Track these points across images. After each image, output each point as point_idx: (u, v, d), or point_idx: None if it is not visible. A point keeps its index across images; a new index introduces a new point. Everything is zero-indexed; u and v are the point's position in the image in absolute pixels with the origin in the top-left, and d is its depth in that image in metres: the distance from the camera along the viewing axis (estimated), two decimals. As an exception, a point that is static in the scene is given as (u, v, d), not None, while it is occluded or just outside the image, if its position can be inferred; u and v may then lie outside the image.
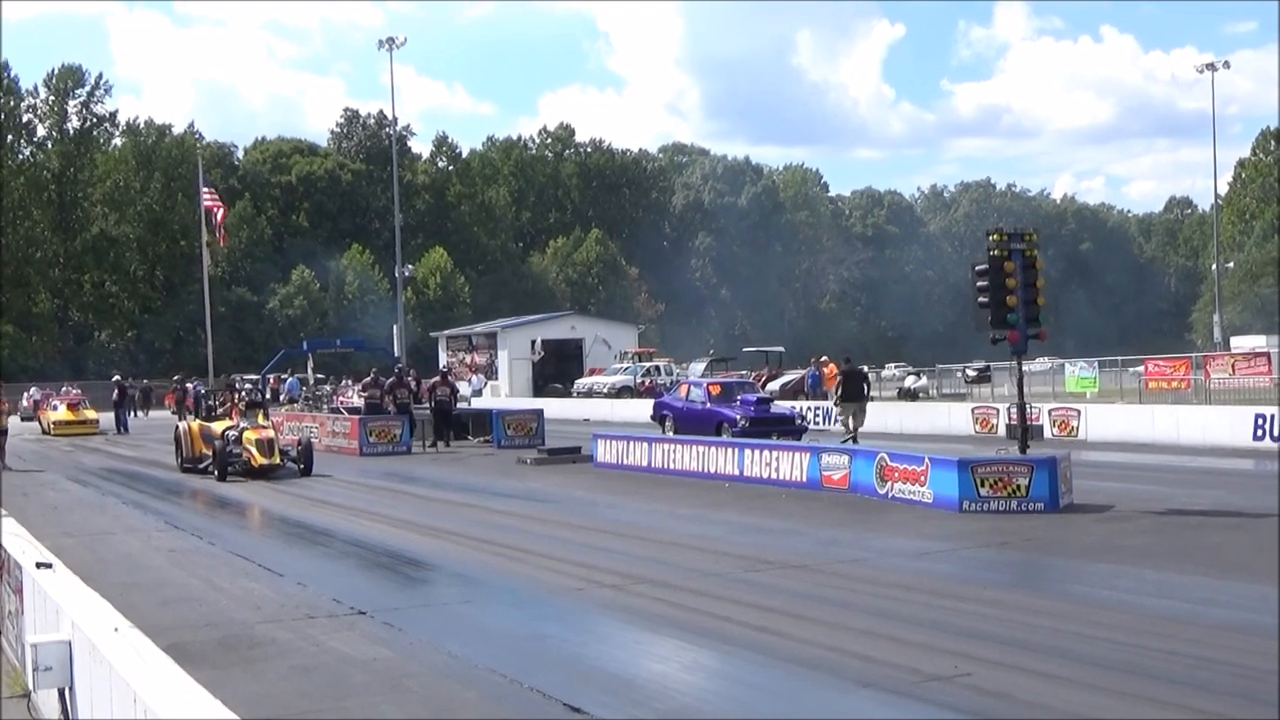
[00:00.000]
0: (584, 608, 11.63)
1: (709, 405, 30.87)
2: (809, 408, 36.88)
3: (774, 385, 46.01)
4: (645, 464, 24.67)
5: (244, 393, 35.57)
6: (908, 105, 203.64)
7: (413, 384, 35.36)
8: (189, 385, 50.64)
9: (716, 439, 26.07)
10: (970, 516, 16.81)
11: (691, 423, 30.34)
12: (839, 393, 30.83)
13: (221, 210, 68.12)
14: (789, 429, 29.38)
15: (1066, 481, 17.55)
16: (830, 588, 12.20)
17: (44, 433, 46.01)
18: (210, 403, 29.75)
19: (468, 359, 69.59)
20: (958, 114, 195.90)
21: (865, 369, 35.56)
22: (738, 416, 29.39)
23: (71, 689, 6.93)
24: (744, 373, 51.48)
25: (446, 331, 75.18)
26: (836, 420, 32.54)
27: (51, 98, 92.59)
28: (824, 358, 44.56)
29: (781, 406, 33.47)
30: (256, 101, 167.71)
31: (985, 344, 19.84)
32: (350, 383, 48.06)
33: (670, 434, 29.41)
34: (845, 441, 27.94)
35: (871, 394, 33.41)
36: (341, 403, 40.31)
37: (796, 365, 56.24)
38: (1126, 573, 12.65)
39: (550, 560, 14.23)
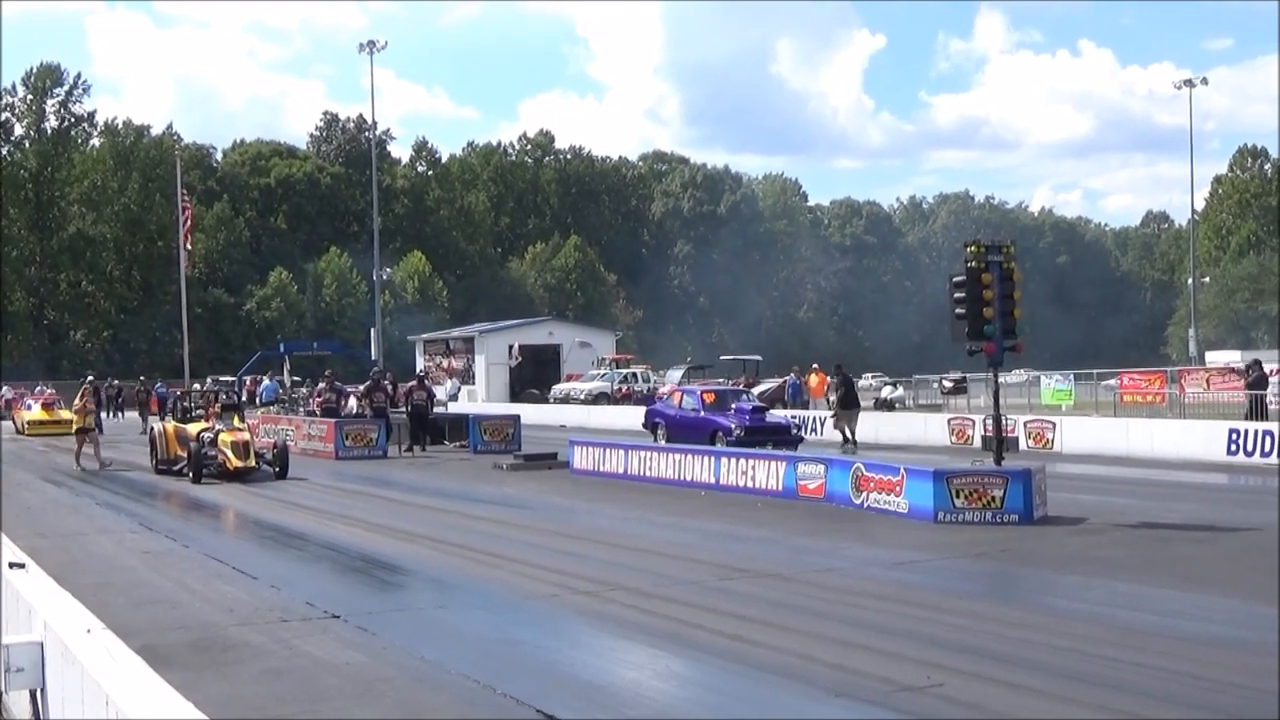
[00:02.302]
0: (558, 614, 11.63)
1: (703, 413, 30.42)
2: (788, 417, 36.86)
3: (752, 393, 46.00)
4: (621, 470, 24.62)
5: (218, 393, 35.41)
6: (887, 116, 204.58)
7: (389, 388, 35.27)
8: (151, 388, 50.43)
9: (693, 446, 25.77)
10: (945, 527, 16.86)
11: (685, 431, 29.91)
12: (836, 401, 30.96)
13: (188, 214, 68.18)
14: (785, 439, 28.75)
15: (1041, 494, 17.61)
16: (804, 597, 12.22)
17: (18, 432, 45.75)
18: (185, 404, 29.54)
19: (445, 363, 69.49)
20: (937, 125, 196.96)
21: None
22: (733, 425, 28.86)
23: (43, 690, 6.92)
24: (721, 380, 51.47)
25: (424, 335, 75.08)
26: (830, 426, 32.57)
27: (29, 97, 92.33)
28: (815, 365, 44.62)
29: (777, 415, 33.10)
30: (236, 103, 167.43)
31: (962, 355, 19.85)
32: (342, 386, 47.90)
33: (663, 442, 29.09)
34: (846, 449, 28.16)
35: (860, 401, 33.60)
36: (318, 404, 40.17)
37: (774, 374, 56.29)
38: (1099, 585, 12.71)
39: (525, 566, 14.22)
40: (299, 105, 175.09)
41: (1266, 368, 34.51)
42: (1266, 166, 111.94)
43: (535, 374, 65.12)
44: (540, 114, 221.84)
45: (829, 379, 35.87)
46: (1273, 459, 25.67)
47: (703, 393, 32.61)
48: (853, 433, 31.39)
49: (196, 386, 45.04)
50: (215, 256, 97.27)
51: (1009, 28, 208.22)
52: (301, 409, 39.72)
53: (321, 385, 36.36)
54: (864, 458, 21.01)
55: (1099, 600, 11.98)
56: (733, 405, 30.78)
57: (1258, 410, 30.66)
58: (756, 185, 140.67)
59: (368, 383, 35.32)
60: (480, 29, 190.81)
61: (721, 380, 51.92)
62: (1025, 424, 31.67)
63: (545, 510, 20.18)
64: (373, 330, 66.98)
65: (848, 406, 30.55)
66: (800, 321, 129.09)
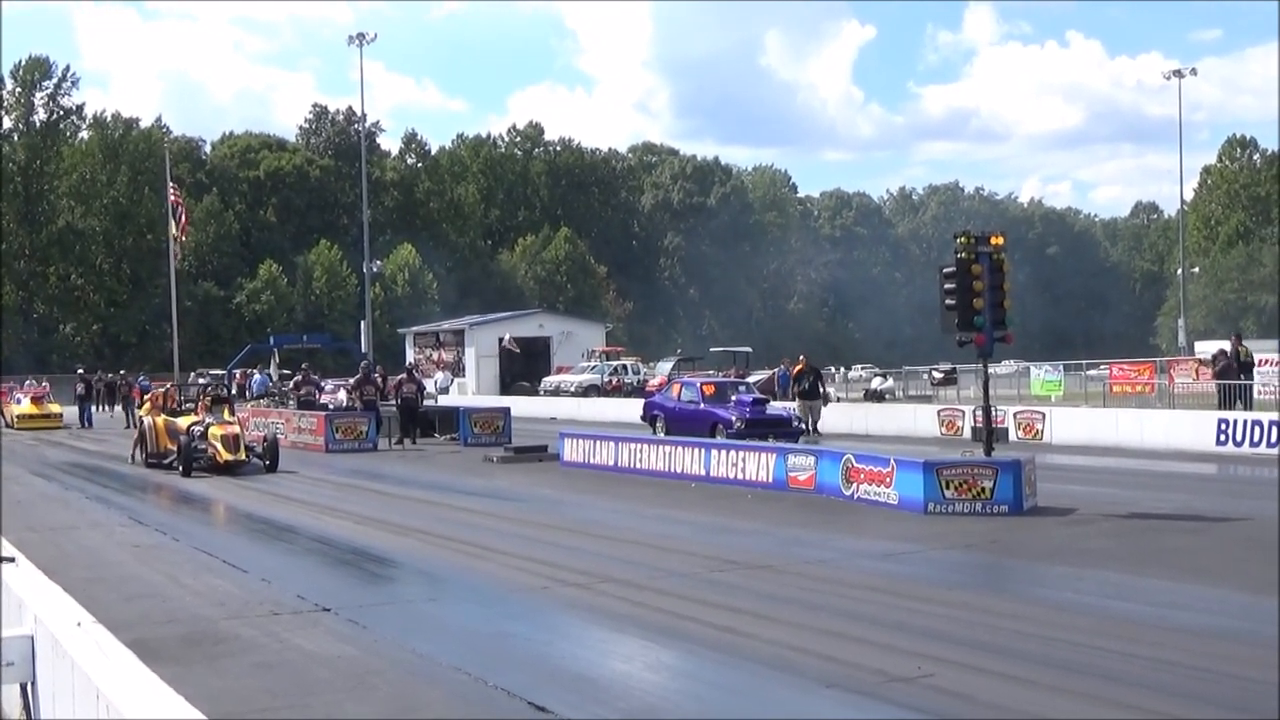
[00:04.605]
0: (549, 606, 11.61)
1: (703, 406, 30.13)
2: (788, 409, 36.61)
3: (752, 385, 45.71)
4: (612, 463, 24.61)
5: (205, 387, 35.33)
6: (876, 107, 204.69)
7: (379, 381, 35.26)
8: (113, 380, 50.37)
9: (683, 438, 25.56)
10: (935, 518, 16.86)
11: (684, 423, 29.52)
12: (800, 390, 30.88)
13: (182, 207, 67.90)
14: (786, 431, 28.37)
15: (1031, 484, 17.61)
16: (795, 588, 12.22)
17: (7, 426, 45.66)
18: (179, 399, 29.51)
19: (435, 356, 69.41)
20: (926, 117, 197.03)
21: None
22: (733, 418, 28.61)
23: (34, 684, 6.89)
24: (711, 372, 51.37)
25: (414, 328, 75.01)
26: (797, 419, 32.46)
27: (18, 90, 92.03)
28: (801, 357, 44.54)
29: (777, 407, 32.89)
30: (225, 96, 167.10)
31: (952, 346, 19.82)
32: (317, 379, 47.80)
33: (662, 435, 28.95)
34: (808, 439, 28.00)
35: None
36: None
37: (764, 365, 56.25)
38: (1089, 575, 12.72)
39: (515, 558, 14.21)
40: (288, 98, 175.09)
41: (1258, 358, 34.45)
42: (1255, 157, 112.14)
43: (525, 366, 65.03)
44: (529, 106, 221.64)
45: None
46: (1262, 449, 25.73)
47: (702, 385, 32.20)
48: (813, 424, 31.21)
49: (199, 380, 44.80)
50: (205, 249, 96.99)
51: (998, 19, 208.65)
52: (291, 402, 39.70)
53: (298, 378, 36.33)
54: (854, 448, 20.97)
55: (1090, 591, 12.00)
56: (733, 397, 30.45)
57: (1226, 399, 30.69)
58: (746, 177, 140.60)
59: (358, 375, 35.28)
60: (469, 22, 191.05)
61: (711, 372, 51.81)
62: (1015, 415, 31.66)
63: (536, 503, 20.18)
64: (363, 323, 66.94)
65: (811, 398, 30.50)
66: (790, 313, 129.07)
